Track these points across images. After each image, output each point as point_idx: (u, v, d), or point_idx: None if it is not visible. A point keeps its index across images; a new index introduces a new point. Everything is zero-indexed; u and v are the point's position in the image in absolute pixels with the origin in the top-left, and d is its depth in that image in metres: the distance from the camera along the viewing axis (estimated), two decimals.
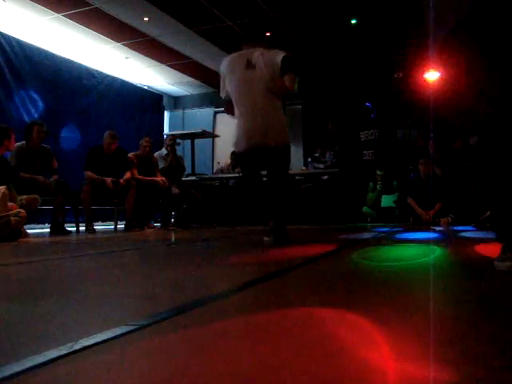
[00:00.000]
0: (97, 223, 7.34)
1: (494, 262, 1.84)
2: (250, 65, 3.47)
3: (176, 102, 12.36)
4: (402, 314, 1.16)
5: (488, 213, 6.20)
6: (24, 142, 5.75)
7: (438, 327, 1.00)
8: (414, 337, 0.93)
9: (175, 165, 7.42)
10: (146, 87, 11.16)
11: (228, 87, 3.56)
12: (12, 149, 5.38)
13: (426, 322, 1.05)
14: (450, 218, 6.45)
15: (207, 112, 11.70)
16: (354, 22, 7.79)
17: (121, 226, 6.89)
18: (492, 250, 2.07)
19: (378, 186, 7.87)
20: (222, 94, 3.68)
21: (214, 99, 11.68)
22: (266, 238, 3.49)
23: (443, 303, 1.30)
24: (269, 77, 3.44)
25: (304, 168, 9.10)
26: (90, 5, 6.98)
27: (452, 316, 1.13)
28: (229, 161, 8.79)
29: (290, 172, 8.28)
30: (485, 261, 2.14)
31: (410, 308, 1.24)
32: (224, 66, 3.62)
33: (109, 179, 6.09)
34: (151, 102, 11.14)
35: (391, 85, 9.37)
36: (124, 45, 8.65)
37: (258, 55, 3.49)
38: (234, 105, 3.54)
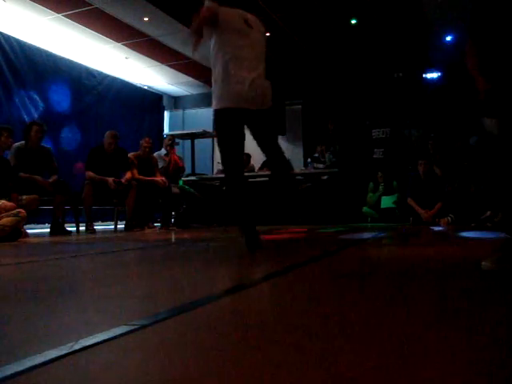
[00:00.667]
0: (97, 223, 7.35)
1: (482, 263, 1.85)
2: (248, 25, 3.32)
3: (176, 101, 12.37)
4: (403, 313, 1.16)
5: (488, 213, 6.21)
6: (23, 141, 5.75)
7: (437, 326, 1.00)
8: (414, 336, 0.93)
9: (174, 165, 7.43)
10: (146, 87, 11.17)
11: (218, 31, 3.20)
12: (7, 148, 5.39)
13: (425, 322, 1.05)
14: (449, 218, 6.45)
15: (207, 112, 11.68)
16: (354, 22, 7.80)
17: (121, 226, 6.89)
18: (490, 249, 2.07)
19: (380, 188, 7.87)
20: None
21: None
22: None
23: (442, 302, 1.30)
24: (264, 42, 3.39)
25: (303, 168, 9.10)
26: (90, 5, 6.98)
27: (451, 313, 1.13)
28: None
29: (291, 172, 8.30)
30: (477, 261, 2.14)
31: (410, 307, 1.24)
32: (215, 7, 3.22)
33: (111, 179, 6.09)
34: (151, 102, 11.15)
35: (391, 84, 9.38)
36: (124, 45, 8.65)
37: (253, 18, 3.40)
38: (222, 54, 3.17)
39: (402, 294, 1.47)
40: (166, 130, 11.40)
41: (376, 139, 8.73)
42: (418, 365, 0.76)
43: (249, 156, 8.64)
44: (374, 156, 8.65)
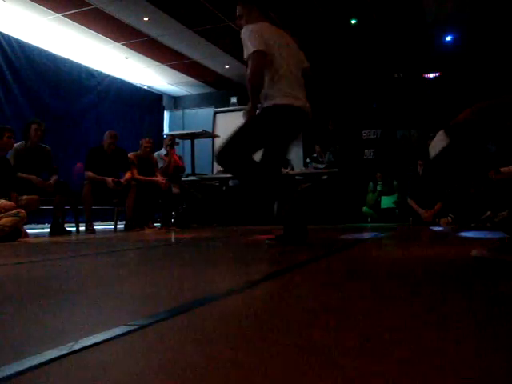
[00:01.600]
0: (97, 223, 7.35)
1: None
2: (292, 47, 3.62)
3: (176, 101, 12.37)
4: (406, 315, 1.16)
5: (488, 213, 6.21)
6: (23, 142, 5.76)
7: (440, 328, 1.00)
8: (416, 339, 0.93)
9: (174, 165, 7.44)
10: (145, 87, 11.17)
11: (272, 50, 3.36)
12: (9, 149, 5.39)
13: (427, 322, 1.05)
14: (449, 218, 6.46)
15: (207, 112, 11.71)
16: (353, 21, 7.81)
17: (121, 226, 6.89)
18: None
19: (378, 187, 7.88)
20: (261, 47, 3.29)
21: (214, 99, 11.70)
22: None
23: (443, 303, 1.30)
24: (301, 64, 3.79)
25: (303, 168, 9.11)
26: (89, 5, 6.99)
27: (454, 316, 1.13)
28: None
29: (292, 172, 8.32)
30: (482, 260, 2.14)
31: (411, 309, 1.24)
32: (267, 31, 3.41)
33: (110, 179, 6.10)
34: (151, 102, 11.14)
35: (391, 84, 9.38)
36: (124, 45, 8.66)
37: (294, 42, 3.66)
38: (277, 70, 3.38)
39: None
40: (166, 130, 11.41)
41: (367, 140, 8.81)
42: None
43: None
44: (365, 157, 8.72)
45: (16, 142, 5.58)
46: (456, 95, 8.60)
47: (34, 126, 5.77)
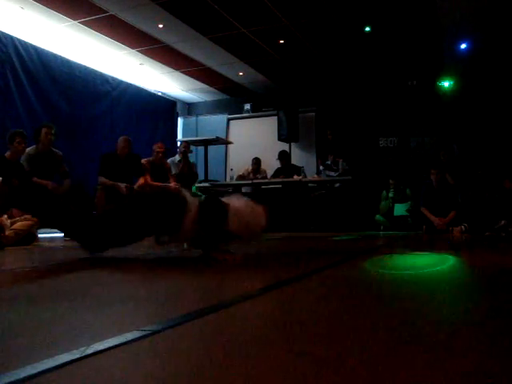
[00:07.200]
0: None
1: None
2: None
3: (190, 108, 12.41)
4: (415, 324, 1.15)
5: (502, 222, 6.16)
6: (34, 146, 5.80)
7: (451, 339, 1.00)
8: (426, 349, 0.93)
9: (187, 172, 7.44)
10: (159, 93, 11.22)
11: None
12: (21, 153, 5.44)
13: (438, 334, 1.04)
14: (463, 227, 6.40)
15: (221, 119, 11.73)
16: (367, 29, 7.79)
17: None
18: (505, 259, 2.05)
19: (390, 194, 7.84)
20: None
21: (228, 106, 11.73)
22: None
23: (455, 314, 1.29)
24: None
25: (316, 176, 9.08)
26: (105, 12, 7.05)
27: (465, 327, 1.12)
28: (250, 167, 8.76)
29: (304, 179, 8.30)
30: (497, 270, 2.12)
31: (422, 319, 1.23)
32: None
33: (123, 185, 6.13)
34: (165, 108, 11.19)
35: (405, 92, 9.35)
36: (138, 51, 8.72)
37: None
38: None
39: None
40: (180, 137, 11.45)
41: (383, 148, 8.83)
42: None
43: (259, 160, 8.63)
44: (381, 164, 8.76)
45: (29, 147, 5.63)
46: (470, 103, 8.56)
47: (44, 130, 5.80)
